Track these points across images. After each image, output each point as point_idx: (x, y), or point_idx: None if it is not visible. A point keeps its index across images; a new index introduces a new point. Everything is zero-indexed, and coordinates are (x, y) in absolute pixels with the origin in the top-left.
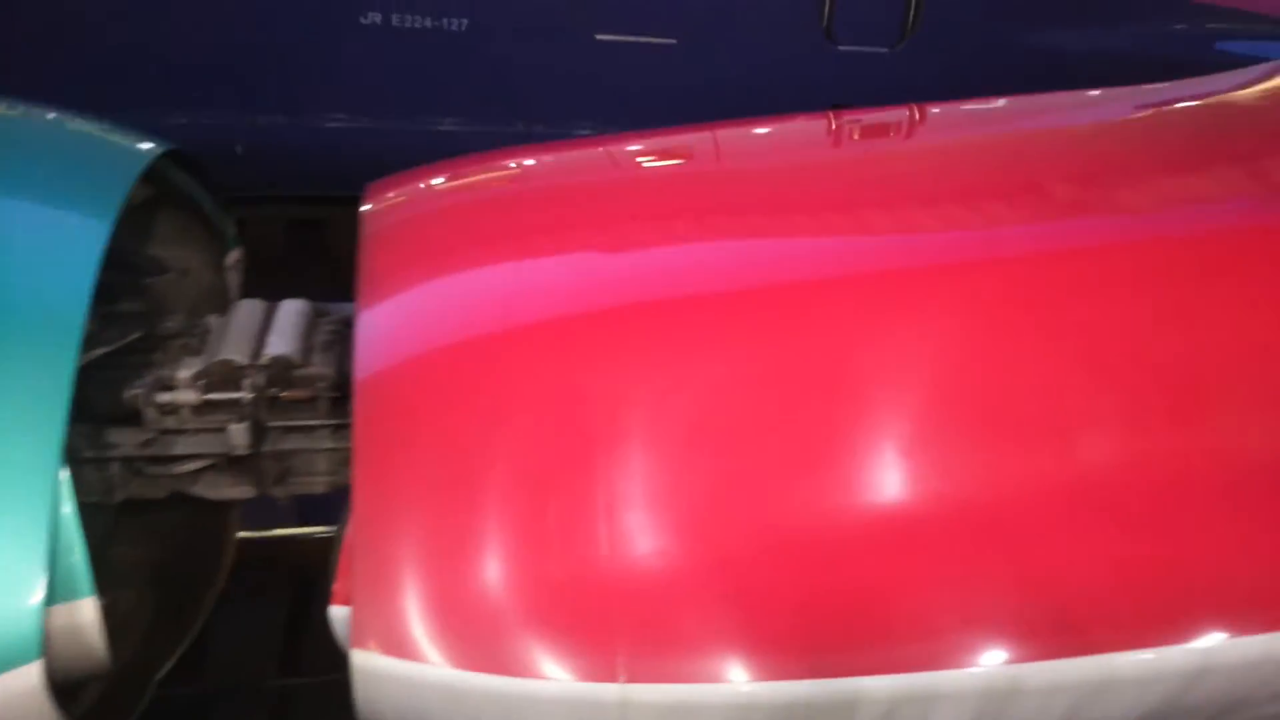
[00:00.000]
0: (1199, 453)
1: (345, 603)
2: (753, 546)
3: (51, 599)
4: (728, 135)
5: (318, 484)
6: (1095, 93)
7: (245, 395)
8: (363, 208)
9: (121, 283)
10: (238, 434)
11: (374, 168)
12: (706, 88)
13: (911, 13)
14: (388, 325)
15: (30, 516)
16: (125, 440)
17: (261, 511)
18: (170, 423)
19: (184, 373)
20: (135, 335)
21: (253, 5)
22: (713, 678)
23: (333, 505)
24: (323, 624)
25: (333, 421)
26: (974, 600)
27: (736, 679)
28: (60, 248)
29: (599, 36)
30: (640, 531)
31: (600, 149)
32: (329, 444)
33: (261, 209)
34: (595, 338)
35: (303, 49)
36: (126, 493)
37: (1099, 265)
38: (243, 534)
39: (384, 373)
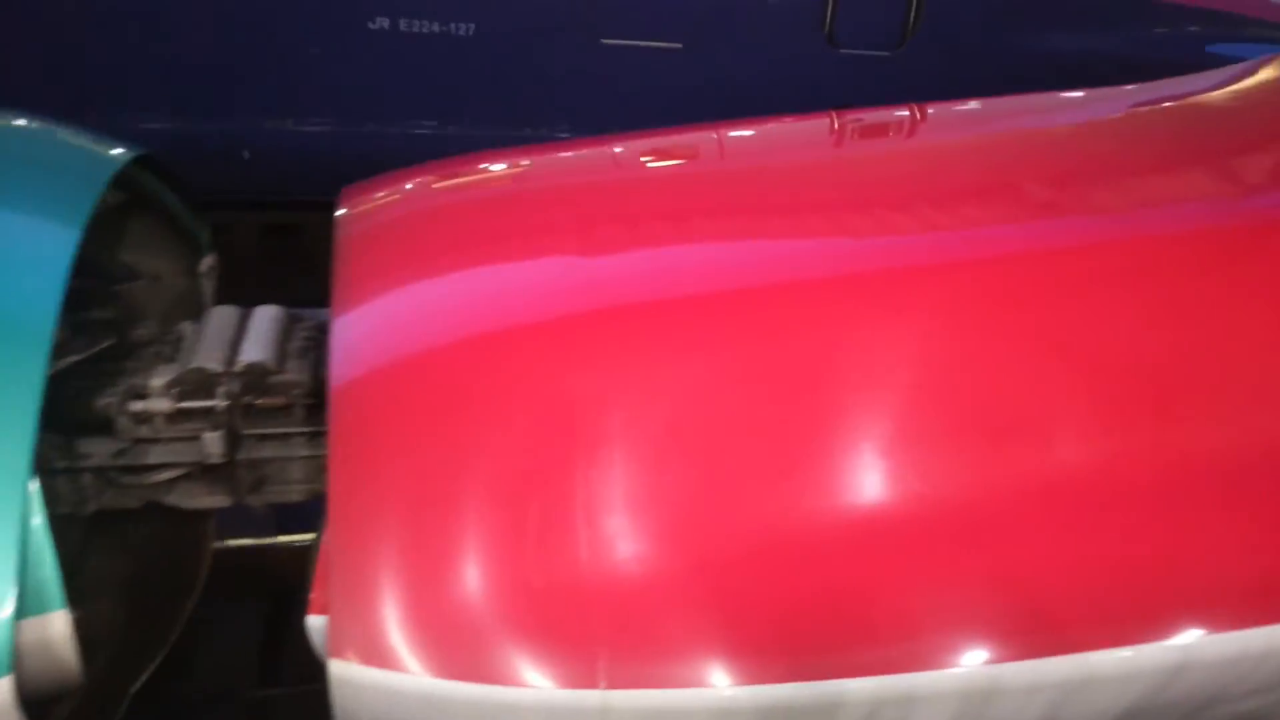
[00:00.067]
0: (1174, 451)
1: (323, 612)
2: (731, 550)
3: (22, 613)
4: (705, 138)
5: (294, 492)
6: (1070, 94)
7: (219, 403)
8: (338, 212)
9: (93, 290)
10: (212, 442)
11: (378, 172)
12: (711, 91)
13: (911, 16)
14: (363, 331)
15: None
16: (97, 450)
17: (238, 521)
18: (143, 432)
19: (157, 381)
20: (107, 343)
21: (257, 9)
22: (693, 682)
23: (310, 513)
24: (301, 634)
25: (308, 429)
26: (953, 601)
27: (717, 683)
28: (29, 254)
29: (605, 41)
30: (619, 537)
31: (577, 152)
32: (305, 451)
33: (235, 214)
34: (572, 342)
35: (310, 53)
36: (99, 503)
37: (1070, 266)
38: (219, 543)
39: (360, 379)
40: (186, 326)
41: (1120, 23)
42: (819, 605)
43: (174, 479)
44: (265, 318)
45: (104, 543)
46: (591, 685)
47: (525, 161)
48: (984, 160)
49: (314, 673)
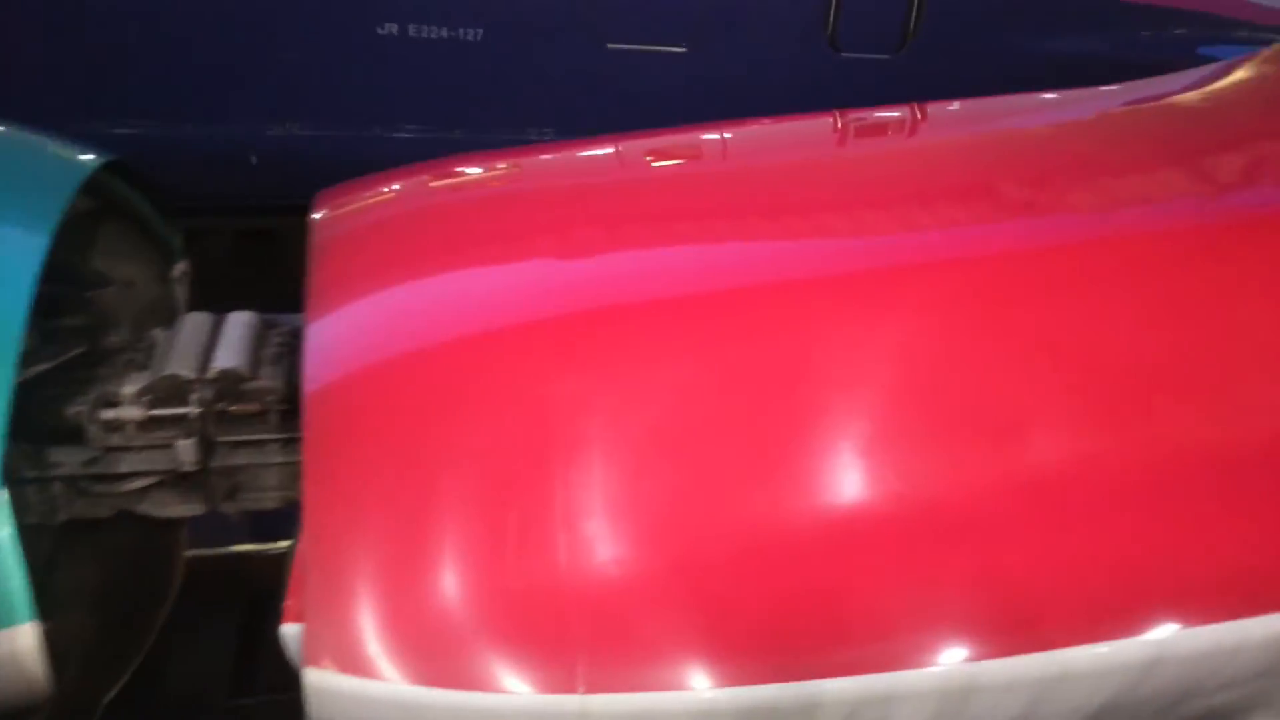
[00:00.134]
0: (1147, 449)
1: (298, 619)
2: (710, 552)
3: None
4: (687, 140)
5: (268, 499)
6: (1049, 95)
7: (192, 410)
8: (312, 216)
9: (63, 296)
10: (185, 450)
11: None
12: (715, 95)
13: (912, 20)
14: (337, 336)
15: None
16: (68, 459)
17: (212, 528)
18: (115, 440)
19: (129, 388)
20: (78, 350)
21: (266, 14)
22: (673, 685)
23: (285, 521)
24: (276, 642)
25: (282, 435)
26: (931, 600)
27: (697, 685)
28: None
29: (610, 45)
30: (596, 540)
31: (557, 154)
32: (279, 458)
33: (208, 219)
34: (548, 345)
35: (317, 58)
36: (70, 513)
37: (1047, 265)
38: (193, 551)
39: (334, 385)
40: (159, 333)
41: (1119, 26)
42: (798, 606)
43: (146, 487)
44: (238, 324)
45: (75, 552)
46: (570, 690)
47: (502, 165)
48: (967, 160)
49: (289, 681)
